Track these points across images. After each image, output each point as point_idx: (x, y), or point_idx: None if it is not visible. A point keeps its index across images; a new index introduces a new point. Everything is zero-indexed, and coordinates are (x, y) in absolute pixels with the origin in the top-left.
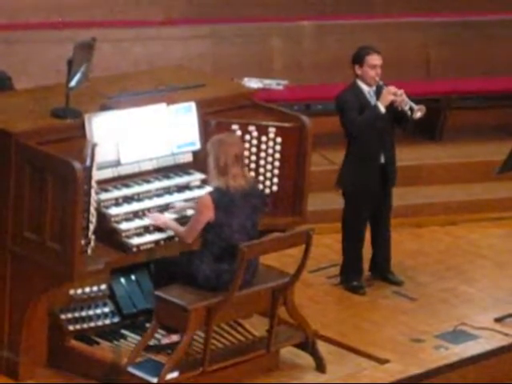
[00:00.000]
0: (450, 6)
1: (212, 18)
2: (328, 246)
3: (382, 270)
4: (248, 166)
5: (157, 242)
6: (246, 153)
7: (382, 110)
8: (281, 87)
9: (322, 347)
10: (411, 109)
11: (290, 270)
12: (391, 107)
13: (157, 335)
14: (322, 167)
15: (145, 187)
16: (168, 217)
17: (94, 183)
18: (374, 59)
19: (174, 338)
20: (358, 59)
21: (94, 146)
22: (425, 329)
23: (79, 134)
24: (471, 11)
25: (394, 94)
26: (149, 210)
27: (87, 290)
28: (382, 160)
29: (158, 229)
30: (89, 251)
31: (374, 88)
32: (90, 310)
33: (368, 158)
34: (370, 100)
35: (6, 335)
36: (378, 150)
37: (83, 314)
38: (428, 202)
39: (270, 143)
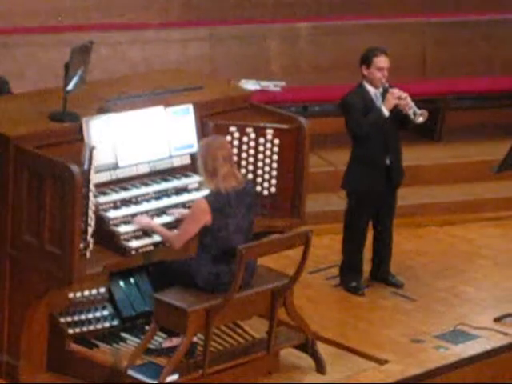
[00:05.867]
0: (446, 6)
1: (209, 20)
2: (327, 246)
3: (382, 272)
4: (246, 167)
5: (155, 245)
6: (244, 155)
7: (386, 113)
8: (278, 89)
9: (322, 348)
10: (414, 113)
11: (289, 271)
12: (396, 109)
13: (158, 338)
14: (319, 168)
15: (143, 190)
16: (156, 220)
17: (92, 186)
18: (381, 61)
19: (175, 341)
20: (366, 60)
21: (91, 149)
22: (424, 329)
23: (77, 138)
24: (467, 11)
25: (398, 98)
26: (147, 212)
27: (86, 293)
28: (388, 162)
29: None
30: (87, 254)
31: (381, 90)
32: (90, 313)
33: (372, 160)
34: (376, 102)
35: (5, 339)
36: (383, 152)
37: (83, 317)
38: (426, 203)
39: (268, 145)
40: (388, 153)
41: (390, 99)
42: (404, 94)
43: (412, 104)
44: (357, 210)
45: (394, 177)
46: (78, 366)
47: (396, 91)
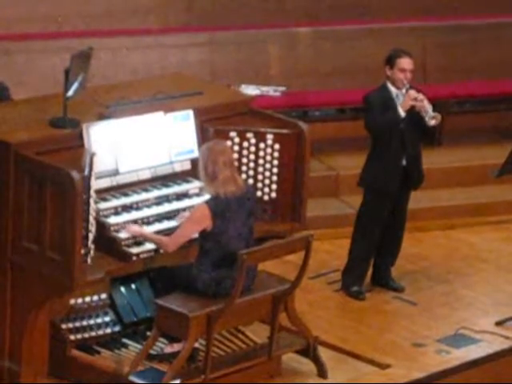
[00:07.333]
0: (447, 10)
1: (209, 25)
2: (328, 251)
3: (383, 276)
4: (246, 172)
5: (156, 251)
6: (245, 160)
7: (402, 114)
8: (278, 94)
9: (324, 353)
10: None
11: (290, 276)
12: (412, 111)
13: (159, 344)
14: (320, 173)
15: (143, 196)
16: (157, 226)
17: (92, 192)
18: (405, 63)
19: (177, 346)
20: (389, 61)
21: (92, 155)
22: (426, 333)
23: (77, 144)
24: (467, 15)
25: (414, 99)
26: (148, 218)
27: (87, 299)
28: (404, 163)
29: None
30: (88, 260)
31: (404, 91)
32: (91, 319)
33: (389, 159)
34: (397, 102)
35: (7, 345)
36: (399, 152)
37: (84, 323)
38: (427, 207)
39: (268, 150)
40: (404, 154)
41: (407, 100)
42: (421, 96)
43: (428, 107)
44: (370, 208)
45: (409, 179)
46: (79, 371)
47: (413, 92)
